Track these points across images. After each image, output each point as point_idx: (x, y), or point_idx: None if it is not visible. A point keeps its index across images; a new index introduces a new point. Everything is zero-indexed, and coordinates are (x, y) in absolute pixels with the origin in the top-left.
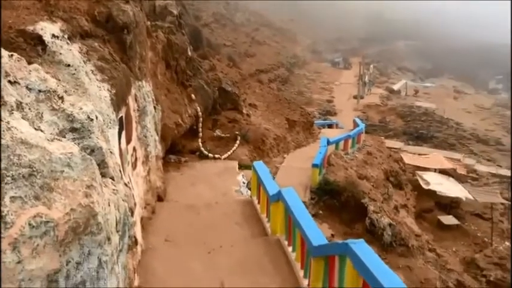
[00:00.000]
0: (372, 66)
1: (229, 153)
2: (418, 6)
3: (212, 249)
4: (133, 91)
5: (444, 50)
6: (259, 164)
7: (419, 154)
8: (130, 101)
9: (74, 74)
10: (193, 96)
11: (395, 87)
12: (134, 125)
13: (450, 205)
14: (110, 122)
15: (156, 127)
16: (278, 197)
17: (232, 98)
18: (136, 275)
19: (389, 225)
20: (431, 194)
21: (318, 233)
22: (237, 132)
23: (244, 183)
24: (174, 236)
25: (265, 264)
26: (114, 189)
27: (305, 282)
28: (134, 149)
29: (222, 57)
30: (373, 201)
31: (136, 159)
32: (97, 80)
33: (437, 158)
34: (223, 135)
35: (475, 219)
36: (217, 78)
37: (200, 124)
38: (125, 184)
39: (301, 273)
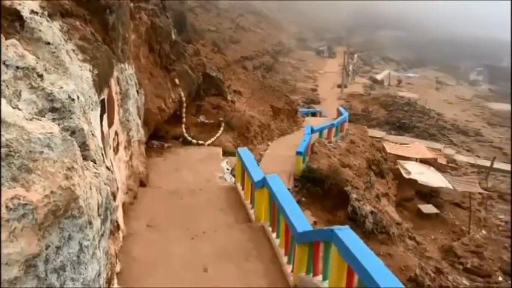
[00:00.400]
0: (356, 55)
1: (213, 139)
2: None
3: (195, 235)
4: (115, 73)
5: (427, 41)
6: (243, 150)
7: (401, 144)
8: (113, 83)
9: (54, 52)
10: (177, 81)
11: (379, 77)
12: (116, 108)
13: (430, 194)
14: (92, 104)
15: (139, 111)
16: (263, 183)
17: (217, 83)
18: (118, 260)
19: (371, 213)
20: (412, 183)
21: (302, 219)
22: (221, 119)
23: (228, 169)
24: (157, 221)
25: (249, 250)
26: (96, 173)
27: (289, 268)
28: (116, 133)
29: (206, 43)
30: (355, 189)
31: (118, 143)
32: (78, 59)
33: (419, 147)
34: (207, 121)
35: (453, 208)
36: (201, 63)
37: (184, 109)
38: (107, 168)
39: (285, 259)
